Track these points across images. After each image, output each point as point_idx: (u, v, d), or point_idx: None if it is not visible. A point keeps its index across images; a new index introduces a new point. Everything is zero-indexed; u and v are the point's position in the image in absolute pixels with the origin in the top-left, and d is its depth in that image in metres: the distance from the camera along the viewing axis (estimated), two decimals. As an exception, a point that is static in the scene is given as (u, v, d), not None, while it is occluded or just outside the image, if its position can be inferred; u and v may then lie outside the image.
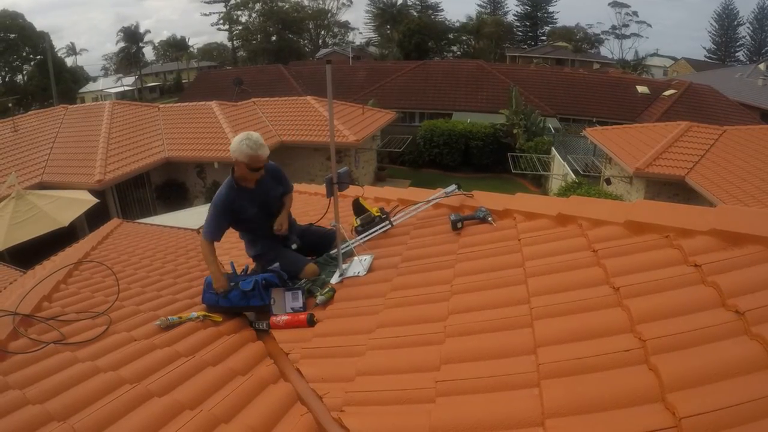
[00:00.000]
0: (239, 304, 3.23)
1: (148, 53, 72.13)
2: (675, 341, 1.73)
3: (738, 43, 69.76)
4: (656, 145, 15.15)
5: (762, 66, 37.48)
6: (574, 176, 17.08)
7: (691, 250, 2.25)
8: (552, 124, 25.33)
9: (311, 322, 2.94)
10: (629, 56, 66.86)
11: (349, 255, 3.66)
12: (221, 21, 70.47)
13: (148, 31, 69.38)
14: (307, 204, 6.30)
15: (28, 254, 10.48)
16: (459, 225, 3.50)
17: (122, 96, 49.73)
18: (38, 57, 52.68)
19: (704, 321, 1.79)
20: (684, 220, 2.48)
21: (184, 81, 62.37)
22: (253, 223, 3.71)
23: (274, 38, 68.66)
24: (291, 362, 2.62)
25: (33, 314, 3.06)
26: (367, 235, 3.76)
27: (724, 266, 2.07)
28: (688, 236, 2.38)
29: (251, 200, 3.61)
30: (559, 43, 64.44)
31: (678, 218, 2.52)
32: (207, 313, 3.22)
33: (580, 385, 1.72)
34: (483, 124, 23.62)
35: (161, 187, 18.99)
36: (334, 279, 3.42)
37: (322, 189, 3.43)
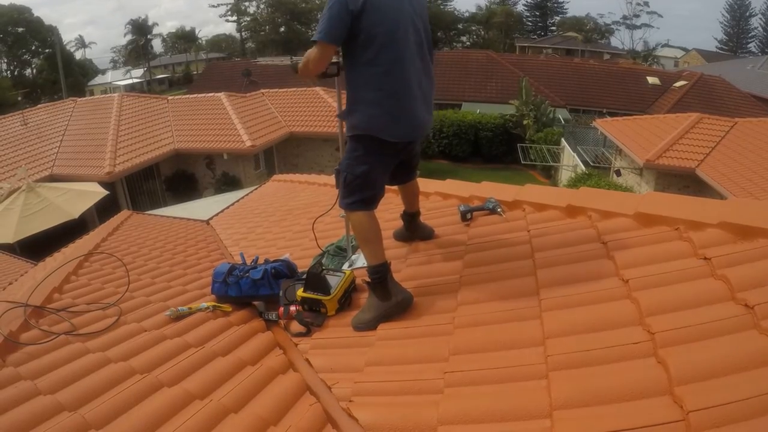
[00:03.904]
0: (249, 293, 3.24)
1: (157, 45, 72.38)
2: (684, 334, 1.73)
3: (750, 35, 69.22)
4: (667, 137, 15.06)
5: (774, 57, 37.12)
6: (583, 167, 17.01)
7: (701, 243, 2.24)
8: (562, 114, 25.24)
9: (320, 314, 2.95)
10: (639, 47, 66.45)
11: (358, 246, 3.67)
12: (229, 12, 70.50)
13: (156, 24, 69.54)
14: (317, 195, 6.31)
15: (39, 246, 10.56)
16: (468, 216, 3.50)
17: (131, 88, 49.87)
18: (47, 50, 52.92)
19: (713, 314, 1.78)
20: (694, 212, 2.46)
21: (193, 73, 62.46)
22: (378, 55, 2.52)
23: (282, 29, 68.60)
24: (300, 352, 2.63)
25: (44, 305, 3.08)
26: None
27: (734, 259, 2.06)
28: (698, 229, 2.37)
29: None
30: (569, 34, 63.99)
31: (688, 210, 2.50)
32: (216, 304, 3.23)
33: (588, 377, 1.72)
34: (492, 114, 23.56)
35: (171, 178, 19.07)
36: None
37: (332, 180, 3.43)
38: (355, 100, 2.65)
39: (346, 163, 2.76)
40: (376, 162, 2.75)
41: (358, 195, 2.77)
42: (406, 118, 2.64)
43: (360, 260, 3.46)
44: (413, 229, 3.48)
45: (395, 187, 3.33)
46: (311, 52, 2.55)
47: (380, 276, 2.68)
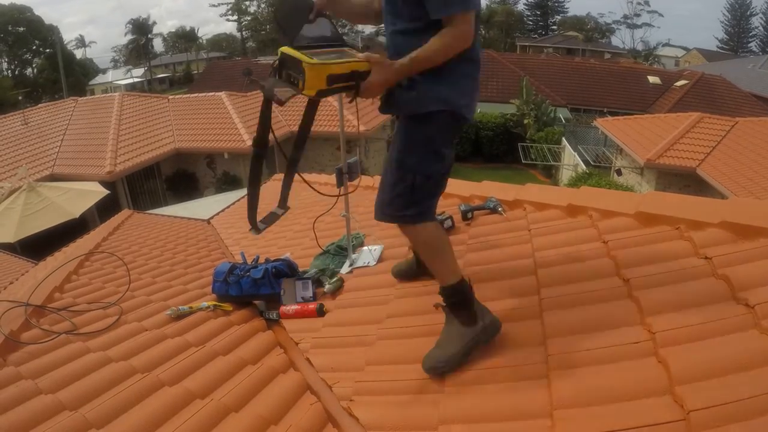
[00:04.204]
0: (249, 292, 3.24)
1: (158, 45, 72.38)
2: (684, 334, 1.73)
3: (751, 34, 69.04)
4: (667, 136, 15.04)
5: (775, 56, 37.07)
6: (584, 167, 17.00)
7: (702, 242, 2.24)
8: (562, 114, 25.22)
9: (320, 312, 2.95)
10: (640, 46, 66.43)
11: (359, 245, 3.67)
12: (230, 11, 70.50)
13: (155, 23, 69.56)
14: (317, 194, 6.30)
15: (40, 246, 10.55)
16: (469, 215, 3.50)
17: (132, 88, 49.78)
18: (47, 50, 52.93)
19: (714, 314, 1.78)
20: (695, 211, 2.46)
21: (193, 72, 62.43)
22: None
23: (283, 29, 68.46)
24: (301, 352, 2.63)
25: (45, 305, 3.09)
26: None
27: (735, 259, 2.06)
28: (698, 228, 2.37)
29: None
30: (570, 33, 63.92)
31: (689, 210, 2.50)
32: (217, 303, 3.23)
33: (589, 377, 1.72)
34: (493, 114, 23.53)
35: (171, 178, 19.07)
36: (344, 269, 3.43)
37: (332, 179, 3.42)
38: (445, 68, 2.00)
39: (415, 162, 2.09)
40: (449, 154, 2.19)
41: (428, 202, 2.22)
42: (477, 94, 2.24)
43: (361, 259, 3.46)
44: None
45: None
46: (449, 32, 1.91)
47: (463, 296, 2.13)
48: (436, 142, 2.11)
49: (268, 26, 69.00)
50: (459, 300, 2.11)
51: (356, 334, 2.61)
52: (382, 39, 2.34)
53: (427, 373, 2.05)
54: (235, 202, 8.12)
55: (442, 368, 2.02)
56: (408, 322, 2.55)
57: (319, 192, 2.88)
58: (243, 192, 9.41)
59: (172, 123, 19.92)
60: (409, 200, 2.12)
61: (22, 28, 52.88)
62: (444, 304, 2.14)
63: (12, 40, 52.57)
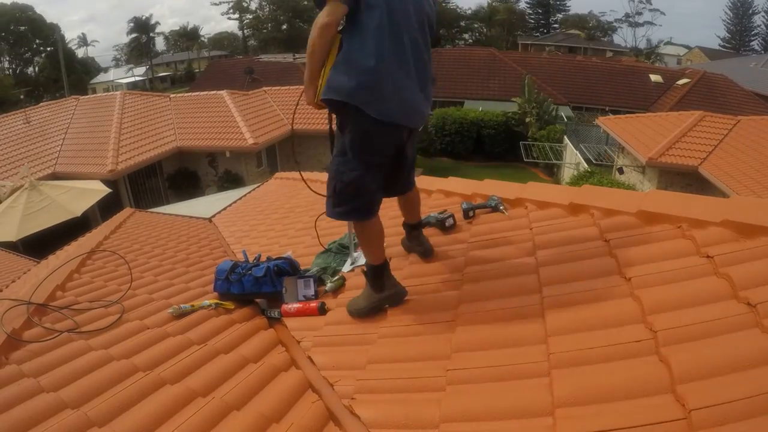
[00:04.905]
0: (251, 291, 3.24)
1: (159, 43, 72.43)
2: (686, 333, 1.72)
3: (753, 33, 68.99)
4: (669, 135, 15.05)
5: (777, 54, 36.97)
6: (586, 165, 16.98)
7: (704, 241, 2.24)
8: (564, 112, 25.18)
9: (322, 311, 2.96)
10: (642, 44, 66.39)
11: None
12: (231, 10, 70.52)
13: (158, 23, 69.61)
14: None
15: (42, 244, 10.58)
16: (471, 213, 3.50)
17: (133, 86, 49.84)
18: (49, 48, 53.02)
19: (716, 313, 1.78)
20: (697, 210, 2.46)
21: (195, 70, 62.45)
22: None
23: (284, 27, 68.62)
24: (302, 350, 2.63)
25: (47, 303, 3.09)
26: None
27: (737, 258, 2.05)
28: (700, 227, 2.36)
29: None
30: (572, 31, 63.91)
31: (691, 209, 2.50)
32: (219, 301, 3.23)
33: (590, 375, 1.72)
34: (495, 112, 23.54)
35: (173, 176, 19.11)
36: (346, 268, 3.43)
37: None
38: (348, 64, 2.25)
39: (335, 168, 2.49)
40: (370, 163, 2.42)
41: (350, 205, 2.52)
42: (399, 98, 2.32)
43: (363, 257, 3.46)
44: (411, 239, 3.21)
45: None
46: (319, 16, 2.19)
47: (378, 275, 2.69)
48: (353, 149, 2.40)
49: (269, 25, 69.05)
50: (375, 276, 2.67)
51: (358, 333, 2.61)
52: None
53: (349, 314, 2.75)
54: (237, 200, 8.12)
55: (355, 315, 2.72)
56: (409, 320, 2.55)
57: (315, 192, 3.32)
58: (244, 190, 9.42)
59: (174, 121, 19.95)
60: (336, 201, 2.54)
61: (23, 27, 53.00)
62: (366, 272, 2.73)
63: (13, 39, 52.70)
